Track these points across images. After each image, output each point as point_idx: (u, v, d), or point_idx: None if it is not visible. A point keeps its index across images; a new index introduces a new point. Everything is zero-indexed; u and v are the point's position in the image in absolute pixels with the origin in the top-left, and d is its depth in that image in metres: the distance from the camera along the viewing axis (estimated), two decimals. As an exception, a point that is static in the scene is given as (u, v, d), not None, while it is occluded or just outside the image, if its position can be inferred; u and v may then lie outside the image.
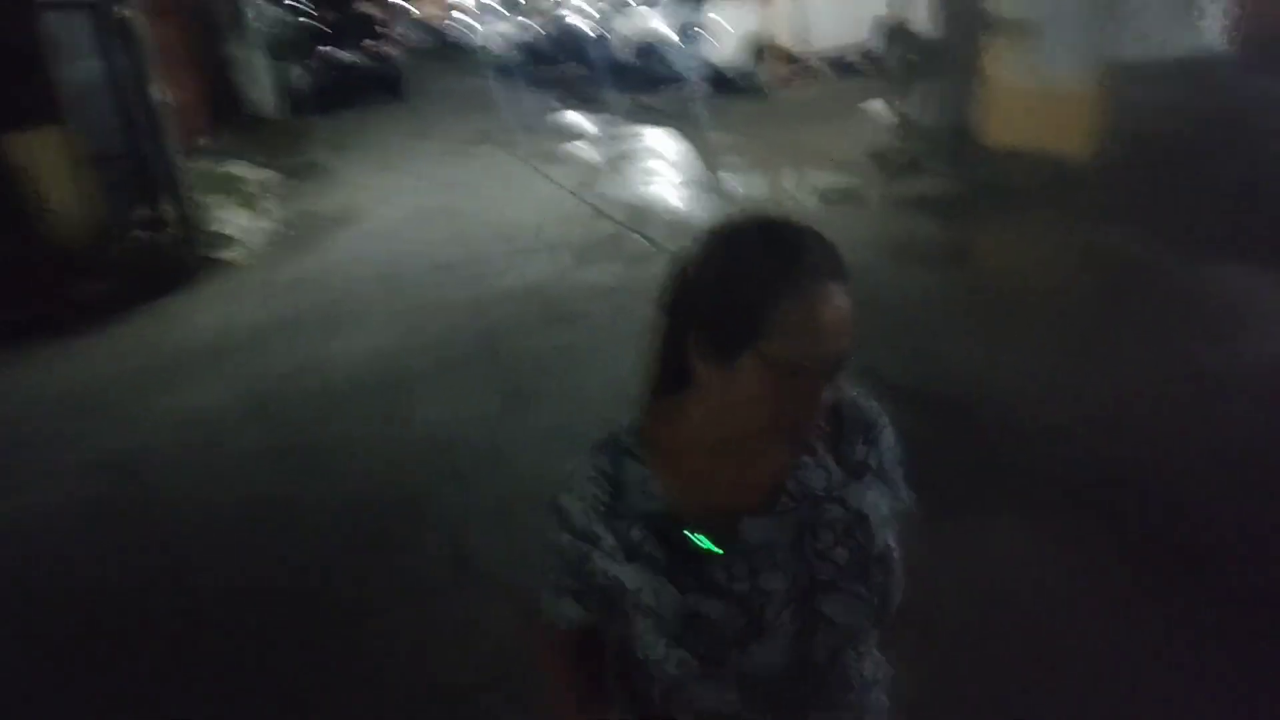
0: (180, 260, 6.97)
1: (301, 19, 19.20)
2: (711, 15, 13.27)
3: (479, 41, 28.42)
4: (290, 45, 17.81)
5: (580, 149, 10.44)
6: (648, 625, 0.99)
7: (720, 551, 0.98)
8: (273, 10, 18.35)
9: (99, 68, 6.92)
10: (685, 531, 0.98)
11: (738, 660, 0.98)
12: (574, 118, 12.97)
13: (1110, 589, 2.53)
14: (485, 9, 32.35)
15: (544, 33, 21.54)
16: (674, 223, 6.82)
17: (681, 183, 8.31)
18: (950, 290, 5.18)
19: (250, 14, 15.66)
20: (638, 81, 15.23)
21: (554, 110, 13.91)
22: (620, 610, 1.02)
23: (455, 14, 36.20)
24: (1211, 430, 3.21)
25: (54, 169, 6.55)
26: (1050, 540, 2.75)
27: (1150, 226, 5.33)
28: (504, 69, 22.23)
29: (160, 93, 7.28)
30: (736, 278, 0.91)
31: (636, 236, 6.62)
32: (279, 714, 2.47)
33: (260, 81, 15.33)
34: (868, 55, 8.90)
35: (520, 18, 25.94)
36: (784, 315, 0.87)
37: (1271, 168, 5.39)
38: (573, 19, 20.12)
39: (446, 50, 32.53)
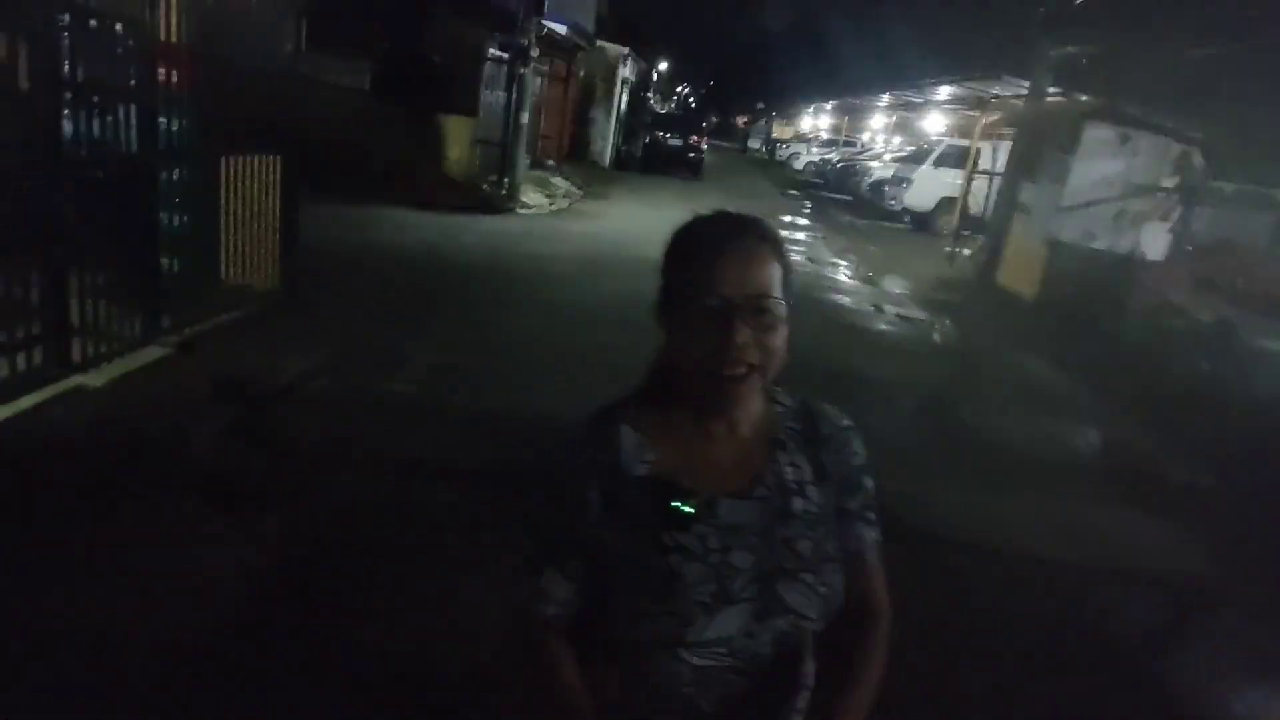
0: (502, 204, 12.51)
1: (653, 110, 25.86)
2: (922, 174, 17.28)
3: (794, 162, 34.16)
4: (637, 124, 24.45)
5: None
6: (629, 583, 1.06)
7: (693, 511, 1.07)
8: (639, 101, 25.14)
9: (500, 95, 12.81)
10: (672, 499, 1.07)
11: (704, 624, 1.04)
12: (797, 218, 17.54)
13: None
14: (815, 143, 38.08)
15: (833, 165, 26.37)
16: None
17: (803, 257, 12.50)
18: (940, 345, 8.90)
19: (618, 97, 22.24)
20: (869, 210, 19.67)
21: (793, 211, 18.60)
22: (602, 571, 1.08)
23: (794, 143, 42.42)
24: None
25: (462, 140, 12.42)
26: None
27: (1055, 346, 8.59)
28: (795, 182, 27.73)
29: (525, 118, 13.01)
30: (671, 253, 1.13)
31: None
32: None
33: (606, 141, 21.73)
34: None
35: (826, 155, 31.09)
36: (692, 267, 1.08)
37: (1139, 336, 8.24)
38: (853, 160, 24.90)
39: (769, 159, 39.06)
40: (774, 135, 51.63)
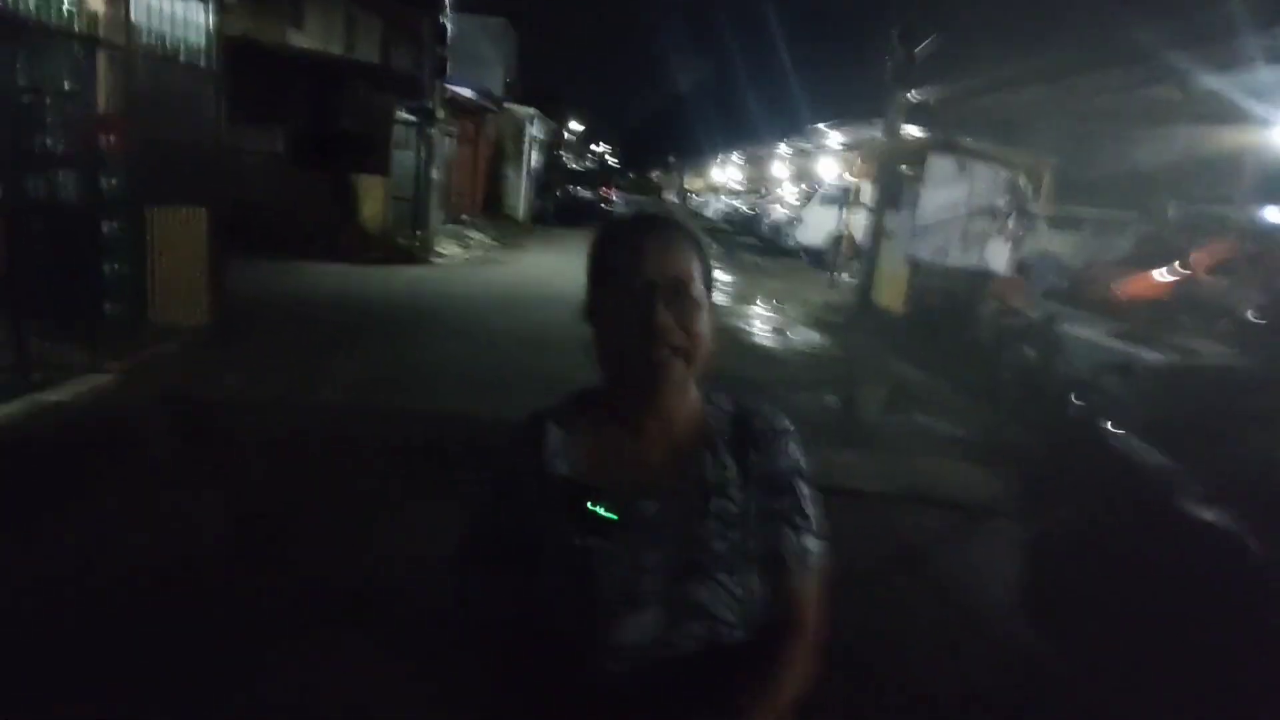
0: (418, 255, 13.27)
1: (565, 166, 27.23)
2: (811, 213, 18.74)
3: (705, 210, 35.93)
4: (550, 180, 25.67)
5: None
6: (546, 581, 1.09)
7: (614, 518, 1.08)
8: (552, 158, 26.37)
9: (411, 155, 13.69)
10: (588, 500, 1.08)
11: (615, 625, 1.04)
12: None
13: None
14: (724, 192, 40.09)
15: (740, 211, 28.01)
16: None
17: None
18: (825, 357, 10.04)
19: (529, 155, 23.35)
20: (772, 249, 21.11)
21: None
22: (530, 569, 1.10)
23: (705, 193, 44.47)
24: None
25: (376, 197, 13.20)
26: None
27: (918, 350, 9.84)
28: (706, 229, 29.57)
29: (436, 174, 13.88)
30: (596, 249, 1.16)
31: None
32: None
33: (520, 195, 22.76)
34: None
35: (734, 202, 32.87)
36: (615, 256, 1.13)
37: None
38: (756, 207, 26.56)
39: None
40: (685, 187, 53.74)
